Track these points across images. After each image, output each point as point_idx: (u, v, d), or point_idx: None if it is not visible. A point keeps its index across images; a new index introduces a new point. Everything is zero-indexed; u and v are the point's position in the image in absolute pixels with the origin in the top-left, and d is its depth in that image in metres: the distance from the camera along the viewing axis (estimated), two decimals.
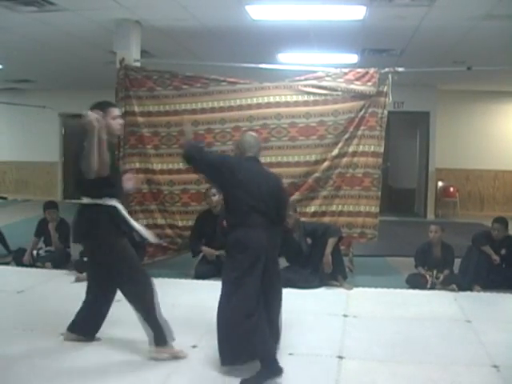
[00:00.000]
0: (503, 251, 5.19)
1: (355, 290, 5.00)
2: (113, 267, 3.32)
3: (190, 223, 5.60)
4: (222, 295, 3.19)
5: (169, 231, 5.64)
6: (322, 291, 4.96)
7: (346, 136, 5.55)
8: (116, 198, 3.32)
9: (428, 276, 5.09)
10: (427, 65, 7.01)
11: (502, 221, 5.28)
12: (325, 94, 5.55)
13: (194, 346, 3.49)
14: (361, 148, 5.55)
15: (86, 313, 3.52)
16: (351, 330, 3.91)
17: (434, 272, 5.12)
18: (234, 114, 5.58)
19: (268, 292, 3.24)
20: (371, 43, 6.74)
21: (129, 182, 3.66)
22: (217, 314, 3.15)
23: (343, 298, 4.73)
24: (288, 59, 7.44)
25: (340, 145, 5.55)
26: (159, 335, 3.29)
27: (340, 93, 5.53)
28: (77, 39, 6.59)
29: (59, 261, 5.65)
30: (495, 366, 3.26)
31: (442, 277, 5.05)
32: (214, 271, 5.28)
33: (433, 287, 5.04)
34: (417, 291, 4.99)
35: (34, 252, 5.76)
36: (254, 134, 3.74)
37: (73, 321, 3.55)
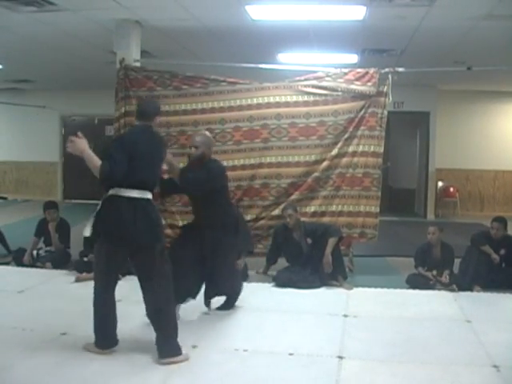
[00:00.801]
0: (502, 251, 5.19)
1: (355, 289, 4.99)
2: (162, 267, 3.28)
3: None
4: None
5: (169, 231, 5.62)
6: (322, 291, 4.96)
7: (346, 136, 5.55)
8: None
9: (431, 276, 5.08)
10: (427, 65, 7.01)
11: (501, 220, 5.28)
12: (325, 95, 5.56)
13: (194, 346, 3.49)
14: (361, 148, 5.56)
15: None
16: (351, 330, 3.90)
17: (434, 272, 5.12)
18: (234, 114, 5.59)
19: None
20: (371, 43, 6.74)
21: None
22: None
23: (343, 298, 4.73)
24: (288, 59, 7.44)
25: (340, 145, 5.56)
26: (171, 343, 3.26)
27: (340, 93, 5.54)
28: (77, 39, 6.60)
29: (59, 261, 5.65)
30: (495, 366, 3.26)
31: (446, 278, 5.02)
32: None
33: (433, 287, 5.03)
34: (417, 291, 4.98)
35: (34, 252, 5.75)
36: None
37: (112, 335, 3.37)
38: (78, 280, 5.04)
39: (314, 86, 5.57)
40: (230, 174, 5.55)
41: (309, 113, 5.57)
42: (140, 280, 3.31)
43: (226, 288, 4.20)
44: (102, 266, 3.28)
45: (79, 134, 3.19)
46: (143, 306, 3.32)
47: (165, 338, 3.25)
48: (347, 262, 5.48)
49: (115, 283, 3.35)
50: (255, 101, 5.59)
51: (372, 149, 5.55)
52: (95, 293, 3.30)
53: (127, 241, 3.19)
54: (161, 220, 3.39)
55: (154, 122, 3.41)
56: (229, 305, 4.31)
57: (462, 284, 4.99)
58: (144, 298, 3.32)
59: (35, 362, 3.20)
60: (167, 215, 5.64)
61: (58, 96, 11.37)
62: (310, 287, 4.95)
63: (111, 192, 3.20)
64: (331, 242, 5.01)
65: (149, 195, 3.27)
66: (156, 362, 3.21)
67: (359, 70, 5.62)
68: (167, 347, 3.24)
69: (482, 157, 10.53)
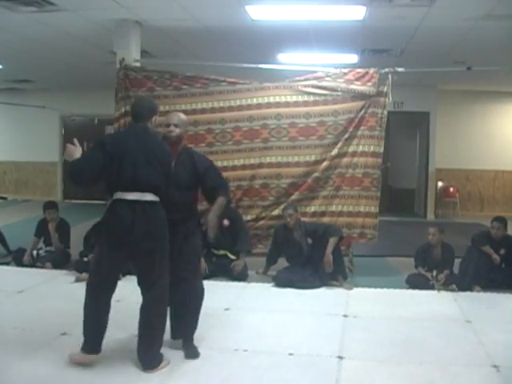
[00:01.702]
0: (502, 251, 5.19)
1: (355, 289, 4.99)
2: (161, 276, 3.17)
3: None
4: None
5: None
6: (322, 291, 4.96)
7: (346, 136, 5.56)
8: None
9: (430, 277, 5.08)
10: (427, 65, 7.02)
11: (501, 220, 5.28)
12: (325, 95, 5.56)
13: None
14: (360, 148, 5.56)
15: None
16: (351, 329, 3.91)
17: (434, 272, 5.12)
18: (234, 114, 5.59)
19: None
20: (371, 43, 6.74)
21: None
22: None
23: (343, 298, 4.73)
24: (288, 59, 7.45)
25: (339, 145, 5.56)
26: (157, 354, 3.21)
27: (340, 93, 5.55)
28: (77, 39, 6.59)
29: (59, 261, 5.65)
30: (495, 366, 3.26)
31: (443, 278, 5.02)
32: (216, 271, 5.28)
33: (432, 287, 5.03)
34: (416, 291, 4.99)
35: (34, 252, 5.75)
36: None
37: None
38: (77, 280, 5.04)
39: (313, 86, 5.57)
40: (229, 173, 5.59)
41: (309, 113, 5.57)
42: (139, 286, 3.24)
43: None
44: (97, 267, 3.19)
45: (75, 141, 3.18)
46: None
47: (146, 350, 3.17)
48: (347, 262, 5.48)
49: (111, 288, 3.23)
50: (255, 101, 5.59)
51: (372, 149, 5.56)
52: (86, 293, 3.21)
53: (125, 245, 3.09)
54: (165, 224, 3.15)
55: (150, 122, 3.24)
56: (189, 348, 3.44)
57: (461, 284, 5.00)
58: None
59: (35, 362, 3.20)
60: None
61: (58, 96, 11.37)
62: (310, 287, 4.96)
63: (114, 196, 3.13)
64: (332, 241, 5.01)
65: (151, 197, 3.10)
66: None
67: (359, 70, 5.63)
68: (148, 359, 3.16)
69: (482, 157, 10.53)
